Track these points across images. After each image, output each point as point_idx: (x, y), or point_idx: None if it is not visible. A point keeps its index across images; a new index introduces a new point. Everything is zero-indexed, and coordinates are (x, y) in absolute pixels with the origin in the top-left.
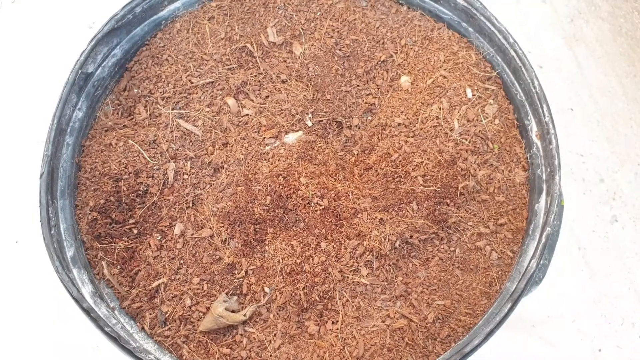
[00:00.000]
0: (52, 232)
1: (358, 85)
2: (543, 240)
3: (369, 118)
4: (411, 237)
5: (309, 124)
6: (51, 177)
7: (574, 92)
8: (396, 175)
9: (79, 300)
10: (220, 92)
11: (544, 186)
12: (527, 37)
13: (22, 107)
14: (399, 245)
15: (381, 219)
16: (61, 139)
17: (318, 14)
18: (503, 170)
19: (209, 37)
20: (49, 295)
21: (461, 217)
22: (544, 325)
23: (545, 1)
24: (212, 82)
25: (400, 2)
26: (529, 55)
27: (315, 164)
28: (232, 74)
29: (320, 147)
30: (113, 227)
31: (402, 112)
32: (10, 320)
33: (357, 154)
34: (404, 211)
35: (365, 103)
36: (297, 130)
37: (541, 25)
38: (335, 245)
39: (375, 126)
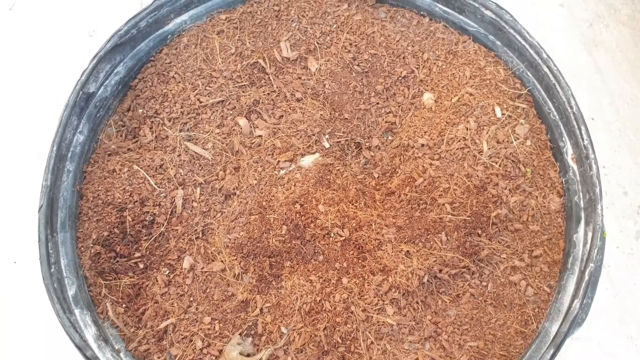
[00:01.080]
0: (52, 270)
1: (377, 103)
2: (586, 278)
3: (390, 138)
4: (440, 271)
5: (326, 145)
6: (51, 208)
7: (594, 100)
8: (421, 202)
9: (82, 348)
10: (231, 112)
11: (582, 214)
12: (545, 42)
13: (21, 119)
14: (427, 280)
15: (407, 251)
16: (61, 166)
17: (334, 26)
18: (537, 197)
19: (219, 52)
20: (49, 326)
21: (494, 249)
22: (568, 348)
23: (563, 5)
24: (222, 101)
25: (421, 13)
26: None
27: (334, 189)
28: (243, 92)
29: (338, 170)
30: (117, 261)
31: (425, 132)
32: (7, 347)
33: (378, 177)
34: (431, 243)
35: (386, 122)
36: (314, 152)
37: (559, 29)
38: (358, 281)
39: (397, 147)
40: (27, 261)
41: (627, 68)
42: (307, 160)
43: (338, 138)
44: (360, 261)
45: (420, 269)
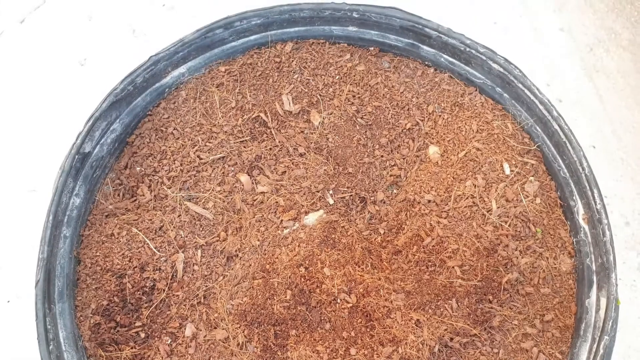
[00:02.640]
0: (51, 347)
1: (382, 156)
2: (601, 351)
3: (395, 191)
4: (451, 340)
5: (330, 201)
6: (48, 277)
7: (595, 128)
8: (430, 263)
9: None
10: (232, 168)
11: (595, 278)
12: (545, 67)
13: (9, 152)
14: (438, 350)
15: (417, 320)
16: (57, 233)
17: (337, 77)
18: (547, 257)
19: (219, 106)
20: None
21: (505, 315)
22: None
23: (563, 29)
24: (223, 157)
25: (426, 63)
26: (548, 88)
27: (339, 250)
28: (244, 147)
29: (343, 227)
30: (118, 331)
31: (432, 187)
32: None
33: (384, 233)
34: (442, 310)
35: (390, 175)
36: (318, 209)
37: (559, 55)
38: (367, 352)
39: (403, 201)
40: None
41: (629, 94)
42: (311, 218)
43: (342, 193)
44: (368, 330)
45: (431, 339)
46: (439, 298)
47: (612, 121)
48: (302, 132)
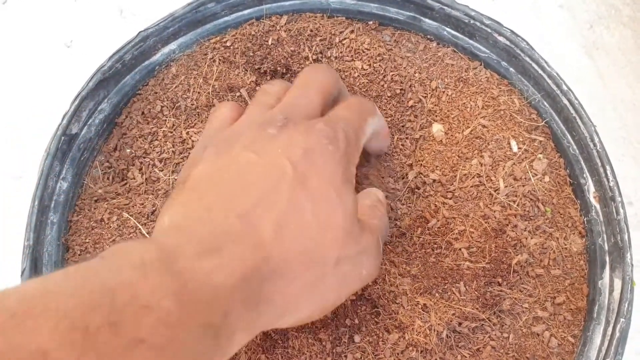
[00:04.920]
0: None
1: None
2: (617, 334)
3: None
4: (460, 324)
5: None
6: (35, 266)
7: (596, 107)
8: (435, 246)
9: None
10: None
11: (607, 259)
12: (544, 45)
13: None
14: (446, 335)
15: (424, 305)
16: (44, 219)
17: (340, 51)
18: (558, 238)
19: (212, 82)
20: None
21: (515, 299)
22: None
23: (563, 6)
24: None
25: (428, 37)
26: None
27: None
28: None
29: None
30: None
31: (436, 166)
32: None
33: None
34: (449, 293)
35: None
36: None
37: (558, 32)
38: (371, 340)
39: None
40: None
41: (629, 72)
42: None
43: None
44: (373, 317)
45: (438, 324)
46: (446, 281)
47: (613, 99)
48: None
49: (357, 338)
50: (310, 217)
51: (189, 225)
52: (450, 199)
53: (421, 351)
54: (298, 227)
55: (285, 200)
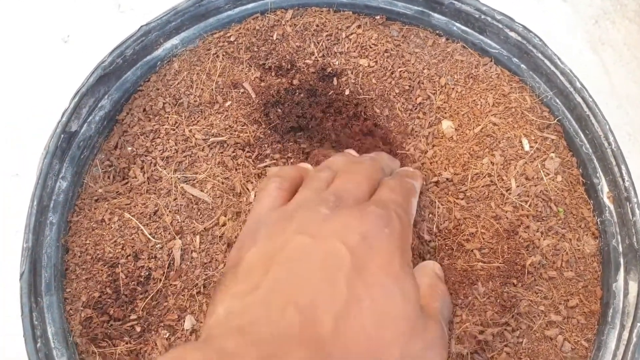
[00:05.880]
0: (39, 345)
1: None
2: (634, 339)
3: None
4: (482, 332)
5: None
6: (34, 268)
7: (601, 102)
8: (447, 247)
9: None
10: (234, 146)
11: (622, 260)
12: (549, 40)
13: None
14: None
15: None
16: (43, 219)
17: (346, 47)
18: (570, 239)
19: (216, 78)
20: None
21: (531, 300)
22: None
23: (567, 1)
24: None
25: (437, 32)
26: None
27: None
28: None
29: None
30: (111, 325)
31: (449, 164)
32: None
33: None
34: (470, 298)
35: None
36: None
37: (563, 27)
38: None
39: None
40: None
41: (635, 67)
42: None
43: None
44: None
45: (463, 336)
46: (464, 284)
47: (619, 95)
48: None
49: None
50: (370, 309)
51: (248, 324)
52: (462, 199)
53: None
54: (358, 320)
55: (344, 290)
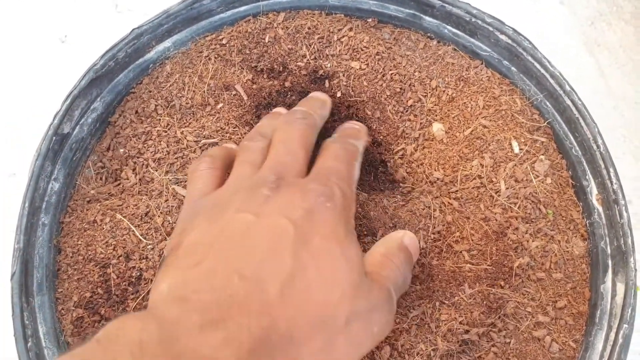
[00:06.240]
0: (30, 344)
1: None
2: (620, 340)
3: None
4: (467, 332)
5: None
6: (25, 268)
7: (597, 104)
8: (436, 248)
9: None
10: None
11: (610, 262)
12: (544, 42)
13: None
14: (454, 347)
15: (430, 314)
16: (35, 220)
17: (338, 49)
18: (559, 241)
19: (207, 80)
20: None
21: (518, 302)
22: None
23: (564, 2)
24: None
25: (428, 35)
26: None
27: None
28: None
29: None
30: (103, 325)
31: (438, 165)
32: None
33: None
34: (456, 298)
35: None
36: None
37: (559, 29)
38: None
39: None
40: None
41: (631, 69)
42: None
43: None
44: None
45: (446, 335)
46: (451, 284)
47: (614, 97)
48: None
49: None
50: (315, 276)
51: (190, 293)
52: (454, 199)
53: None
54: (304, 287)
55: (289, 260)
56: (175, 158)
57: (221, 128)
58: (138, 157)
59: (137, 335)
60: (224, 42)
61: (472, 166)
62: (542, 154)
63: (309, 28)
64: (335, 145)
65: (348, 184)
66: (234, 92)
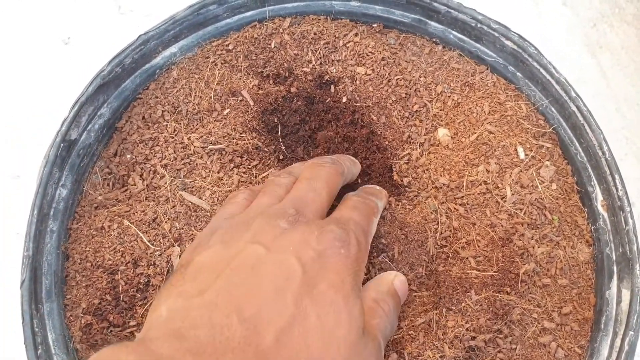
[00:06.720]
0: (39, 351)
1: None
2: (626, 347)
3: None
4: (473, 338)
5: None
6: (34, 276)
7: (599, 105)
8: (443, 254)
9: None
10: (232, 153)
11: (615, 268)
12: (547, 44)
13: None
14: (460, 353)
15: (437, 321)
16: (43, 227)
17: (344, 54)
18: (565, 247)
19: (214, 86)
20: None
21: (525, 309)
22: None
23: (566, 4)
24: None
25: (434, 40)
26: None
27: None
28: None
29: None
30: (111, 331)
31: (444, 170)
32: None
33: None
34: (463, 305)
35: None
36: None
37: (562, 30)
38: None
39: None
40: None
41: (633, 71)
42: None
43: None
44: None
45: (453, 340)
46: (457, 291)
47: (616, 99)
48: None
49: None
50: (314, 326)
51: (188, 328)
52: (460, 205)
53: None
54: (301, 336)
55: (291, 305)
56: (183, 164)
57: (228, 134)
58: (145, 163)
59: None
60: (230, 47)
61: (478, 172)
62: (548, 160)
63: (314, 33)
64: (356, 198)
65: (365, 235)
66: (240, 98)
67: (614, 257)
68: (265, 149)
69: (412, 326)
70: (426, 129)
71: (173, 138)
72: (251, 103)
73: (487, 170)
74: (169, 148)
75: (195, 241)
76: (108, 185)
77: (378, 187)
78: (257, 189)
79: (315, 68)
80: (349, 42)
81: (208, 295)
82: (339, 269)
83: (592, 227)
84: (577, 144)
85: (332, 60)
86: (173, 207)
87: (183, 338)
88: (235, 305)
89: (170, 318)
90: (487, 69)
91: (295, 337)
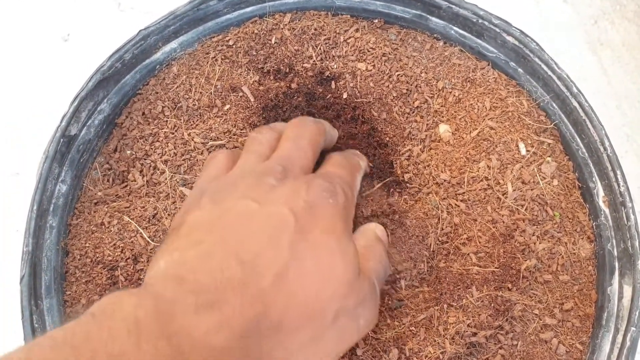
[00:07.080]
0: None
1: None
2: (628, 343)
3: None
4: (475, 334)
5: None
6: (34, 272)
7: (600, 103)
8: (444, 250)
9: None
10: (232, 149)
11: (617, 264)
12: (548, 41)
13: None
14: (461, 348)
15: (438, 317)
16: (43, 223)
17: (344, 50)
18: (566, 243)
19: (214, 82)
20: None
21: (526, 305)
22: None
23: (567, 1)
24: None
25: (435, 36)
26: None
27: None
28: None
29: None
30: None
31: (445, 167)
32: None
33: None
34: (464, 301)
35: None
36: None
37: (562, 27)
38: (372, 353)
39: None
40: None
41: (634, 68)
42: None
43: None
44: (382, 329)
45: (454, 337)
46: (459, 287)
47: (617, 96)
48: None
49: (359, 352)
50: (311, 268)
51: (188, 272)
52: (461, 201)
53: None
54: (299, 277)
55: (286, 250)
56: (183, 160)
57: (228, 130)
58: (145, 159)
59: (133, 311)
60: (230, 43)
61: (479, 168)
62: (549, 156)
63: (315, 29)
64: (340, 156)
65: (350, 188)
66: (240, 94)
67: (615, 253)
68: None
69: (414, 322)
70: (427, 125)
71: (173, 134)
72: (252, 99)
73: (488, 166)
74: (169, 144)
75: (184, 206)
76: (108, 181)
77: (358, 152)
78: (236, 151)
79: (315, 64)
80: (349, 37)
81: (204, 245)
82: (330, 216)
83: (594, 223)
84: (578, 139)
85: (333, 56)
86: (173, 203)
87: (184, 281)
88: (232, 252)
89: (169, 268)
90: (489, 64)
91: (292, 279)
